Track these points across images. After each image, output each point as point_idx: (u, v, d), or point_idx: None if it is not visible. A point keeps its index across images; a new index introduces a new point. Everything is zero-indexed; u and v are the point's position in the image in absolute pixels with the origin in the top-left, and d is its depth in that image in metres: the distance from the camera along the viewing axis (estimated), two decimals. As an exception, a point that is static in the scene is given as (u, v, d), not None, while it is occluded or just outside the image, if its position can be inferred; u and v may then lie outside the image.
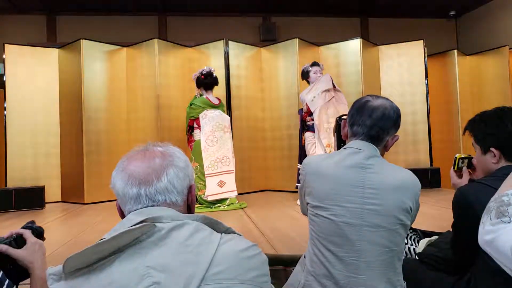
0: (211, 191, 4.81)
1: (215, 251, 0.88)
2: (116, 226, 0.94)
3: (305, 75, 5.23)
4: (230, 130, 5.07)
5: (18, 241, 1.36)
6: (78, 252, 0.84)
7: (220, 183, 4.84)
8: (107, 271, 0.85)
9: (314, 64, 5.20)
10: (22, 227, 1.42)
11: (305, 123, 5.13)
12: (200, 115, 4.95)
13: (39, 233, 1.45)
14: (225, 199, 4.90)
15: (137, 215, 0.95)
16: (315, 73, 5.12)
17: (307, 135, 5.06)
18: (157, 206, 1.00)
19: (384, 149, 1.63)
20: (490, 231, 1.03)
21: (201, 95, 5.13)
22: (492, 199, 1.07)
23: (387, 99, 1.62)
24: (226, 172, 4.89)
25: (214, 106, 5.04)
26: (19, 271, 1.31)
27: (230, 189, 4.88)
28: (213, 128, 4.92)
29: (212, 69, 5.10)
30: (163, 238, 0.89)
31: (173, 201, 1.02)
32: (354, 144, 1.58)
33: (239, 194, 6.02)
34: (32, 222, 1.49)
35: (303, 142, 5.16)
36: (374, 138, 1.57)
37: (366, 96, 1.64)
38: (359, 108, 1.60)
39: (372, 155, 1.54)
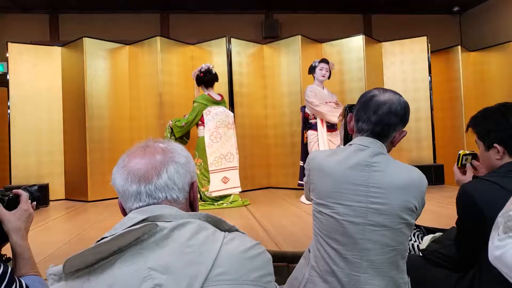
0: (215, 187, 4.83)
1: (218, 251, 0.87)
2: (117, 225, 0.92)
3: (311, 69, 5.19)
4: (234, 126, 5.07)
5: (11, 201, 1.34)
6: (78, 252, 0.83)
7: (224, 179, 4.85)
8: (107, 272, 0.83)
9: (322, 60, 5.15)
10: (23, 188, 1.40)
11: (308, 121, 5.12)
12: (204, 112, 4.95)
13: (35, 198, 1.43)
14: (228, 196, 4.91)
15: (138, 213, 0.94)
16: (320, 69, 5.08)
17: (310, 133, 5.05)
18: (158, 203, 0.99)
19: (391, 145, 1.59)
20: (498, 246, 1.02)
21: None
22: (500, 214, 1.06)
23: (395, 93, 1.56)
24: (230, 168, 4.90)
25: (216, 103, 5.03)
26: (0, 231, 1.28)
27: (234, 185, 4.89)
28: (217, 125, 4.93)
29: (211, 66, 5.08)
30: (165, 238, 0.87)
31: (174, 198, 1.01)
32: (359, 141, 1.54)
33: (242, 191, 6.04)
34: (34, 185, 1.47)
35: (305, 139, 5.15)
36: (380, 135, 1.53)
37: (373, 89, 1.58)
38: (365, 104, 1.55)
39: (378, 152, 1.50)
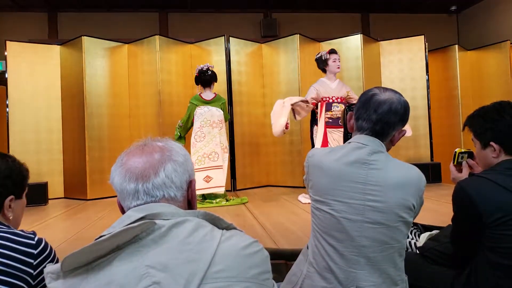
0: (197, 186, 4.82)
1: (216, 248, 0.87)
2: (115, 223, 0.93)
3: (322, 63, 4.94)
4: (220, 125, 5.03)
5: None
6: (76, 250, 0.83)
7: (206, 178, 4.82)
8: (106, 270, 0.84)
9: (332, 51, 4.91)
10: None
11: (315, 117, 5.01)
12: (194, 112, 5.02)
13: None
14: (214, 195, 4.96)
15: (136, 211, 0.94)
16: (334, 61, 4.87)
17: (315, 128, 4.96)
18: (156, 201, 0.99)
19: (390, 144, 1.60)
20: None
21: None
22: None
23: (395, 92, 1.57)
24: (214, 168, 4.88)
25: (206, 102, 5.07)
26: None
27: (217, 185, 4.84)
28: (201, 124, 4.97)
29: (205, 67, 5.08)
30: (163, 236, 0.88)
31: (172, 196, 1.01)
32: (358, 139, 1.55)
33: (240, 189, 6.05)
34: None
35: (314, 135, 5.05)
36: (379, 133, 1.53)
37: (374, 88, 1.59)
38: (365, 102, 1.56)
39: (377, 150, 1.51)
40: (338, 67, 4.91)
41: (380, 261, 1.46)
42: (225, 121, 5.20)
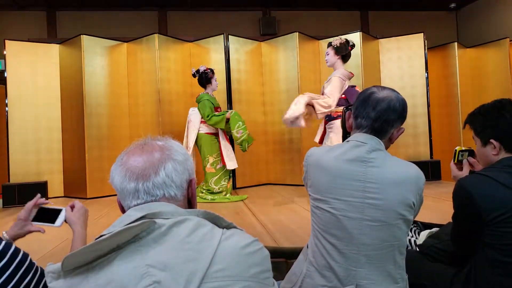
0: None
1: (217, 247, 0.88)
2: (115, 222, 0.93)
3: None
4: (188, 125, 5.18)
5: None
6: (76, 250, 0.83)
7: None
8: (106, 270, 0.84)
9: (327, 46, 4.72)
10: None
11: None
12: None
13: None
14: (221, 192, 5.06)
15: (136, 211, 0.94)
16: (324, 57, 4.75)
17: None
18: (156, 201, 0.99)
19: (389, 142, 1.61)
20: None
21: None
22: None
23: (393, 90, 1.58)
24: None
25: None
26: None
27: None
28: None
29: (193, 71, 5.21)
30: (163, 235, 0.88)
31: (172, 195, 1.01)
32: (357, 137, 1.55)
33: (240, 187, 6.05)
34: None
35: None
36: (378, 131, 1.54)
37: (372, 87, 1.60)
38: (364, 100, 1.57)
39: (375, 148, 1.51)
40: (326, 61, 4.71)
41: (380, 259, 1.46)
42: (207, 119, 5.00)
